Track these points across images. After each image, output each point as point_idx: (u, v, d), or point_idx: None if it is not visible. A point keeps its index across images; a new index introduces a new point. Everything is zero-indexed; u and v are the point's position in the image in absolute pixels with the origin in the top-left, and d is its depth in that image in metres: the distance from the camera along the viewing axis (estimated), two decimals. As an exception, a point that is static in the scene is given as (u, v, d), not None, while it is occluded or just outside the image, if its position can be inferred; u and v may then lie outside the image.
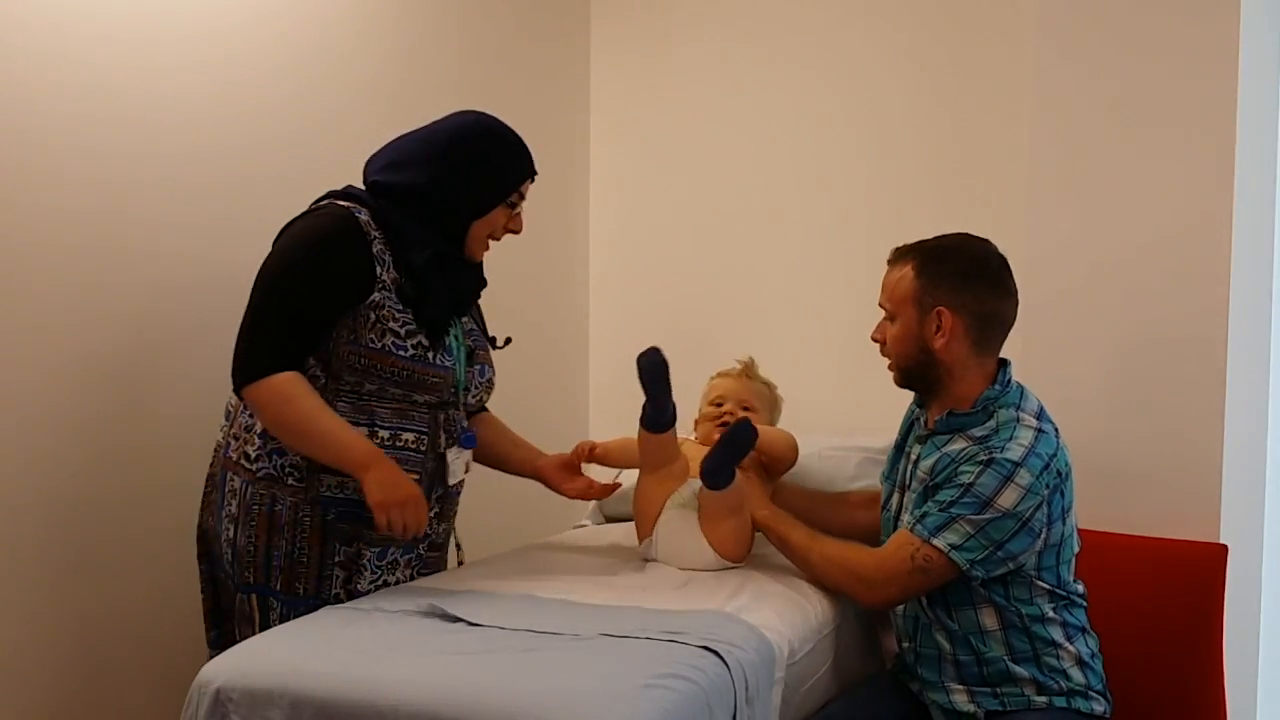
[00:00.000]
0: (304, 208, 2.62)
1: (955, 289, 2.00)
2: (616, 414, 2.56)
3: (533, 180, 2.21)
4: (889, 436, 2.38)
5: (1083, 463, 2.08)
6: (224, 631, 2.14)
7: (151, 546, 2.35)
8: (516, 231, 2.21)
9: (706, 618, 1.86)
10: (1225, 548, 2.22)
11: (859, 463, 2.58)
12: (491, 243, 2.20)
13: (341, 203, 2.11)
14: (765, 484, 2.36)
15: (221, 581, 2.14)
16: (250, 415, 2.07)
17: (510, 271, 2.51)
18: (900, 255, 2.07)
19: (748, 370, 2.53)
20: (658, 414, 2.22)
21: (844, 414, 2.91)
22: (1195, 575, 2.21)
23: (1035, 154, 2.50)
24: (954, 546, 1.90)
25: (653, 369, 2.20)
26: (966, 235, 2.09)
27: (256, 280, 2.05)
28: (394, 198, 2.09)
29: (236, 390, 2.04)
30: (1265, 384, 2.47)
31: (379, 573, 2.09)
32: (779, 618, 1.93)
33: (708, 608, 1.93)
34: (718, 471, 2.14)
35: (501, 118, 2.98)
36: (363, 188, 2.16)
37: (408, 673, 1.61)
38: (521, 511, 2.50)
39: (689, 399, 2.80)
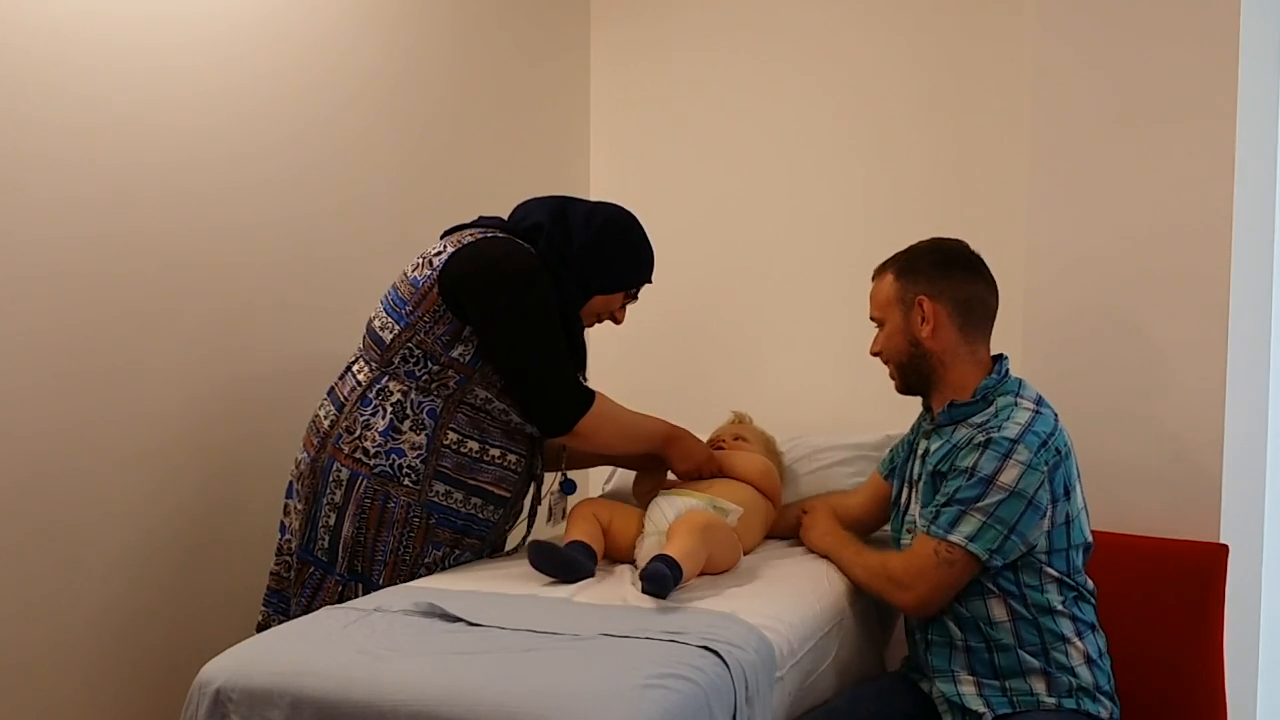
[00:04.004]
0: (303, 209, 2.63)
1: (933, 279, 2.09)
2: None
3: (643, 285, 2.40)
4: (881, 432, 2.40)
5: (1083, 463, 2.09)
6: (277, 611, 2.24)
7: (151, 547, 2.35)
8: (618, 321, 2.40)
9: (706, 617, 1.85)
10: (1225, 548, 2.22)
11: (850, 459, 2.60)
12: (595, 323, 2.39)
13: (517, 240, 2.24)
14: (764, 526, 2.39)
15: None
16: (372, 411, 2.15)
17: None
18: (880, 269, 2.18)
19: (738, 417, 2.67)
20: (570, 571, 2.07)
21: (839, 414, 2.92)
22: (1195, 575, 2.21)
23: (1035, 153, 2.50)
24: (970, 538, 1.93)
25: (544, 561, 2.07)
26: (938, 237, 2.18)
27: (511, 322, 2.12)
28: (552, 247, 2.23)
29: (570, 428, 2.16)
30: (1265, 384, 2.47)
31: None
32: (779, 618, 1.93)
33: (708, 607, 1.93)
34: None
35: (502, 124, 3.00)
36: (497, 217, 2.32)
37: (408, 673, 1.61)
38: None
39: (688, 400, 2.81)
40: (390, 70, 2.84)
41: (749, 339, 3.24)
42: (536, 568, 2.05)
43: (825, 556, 2.27)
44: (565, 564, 2.05)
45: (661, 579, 1.94)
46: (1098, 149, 2.42)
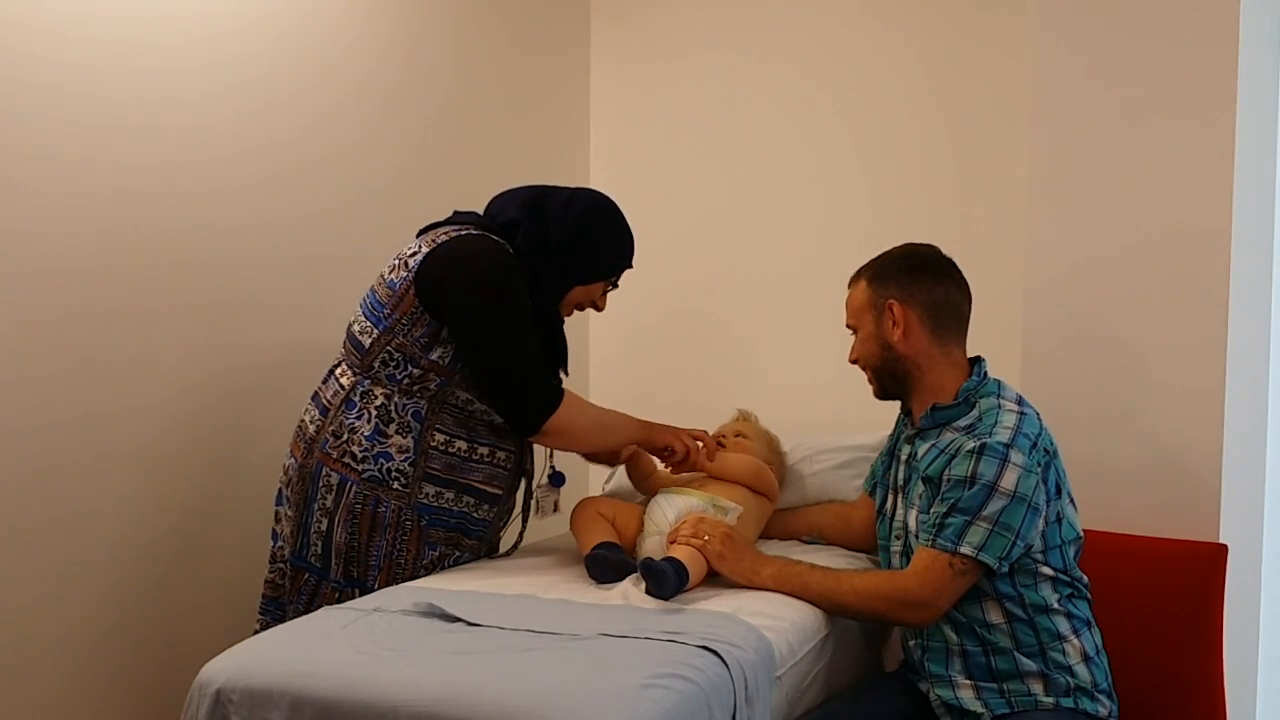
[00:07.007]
0: (302, 208, 2.63)
1: (901, 284, 2.10)
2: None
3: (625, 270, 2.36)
4: (881, 433, 2.39)
5: (1083, 462, 2.08)
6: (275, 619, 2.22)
7: (148, 544, 2.36)
8: (600, 309, 2.38)
9: (706, 617, 1.86)
10: (1225, 547, 2.22)
11: (852, 460, 2.60)
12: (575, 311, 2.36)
13: (492, 236, 2.21)
14: (759, 523, 2.38)
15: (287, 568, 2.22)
16: (357, 415, 2.14)
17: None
18: (854, 276, 2.19)
19: (743, 415, 2.66)
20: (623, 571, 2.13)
21: (840, 415, 2.91)
22: (1195, 575, 2.21)
23: (1035, 153, 2.50)
24: (979, 548, 1.92)
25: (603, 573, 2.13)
26: (910, 243, 2.19)
27: (480, 321, 2.09)
28: (529, 241, 2.20)
29: (537, 428, 2.13)
30: (1265, 383, 2.47)
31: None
32: (778, 617, 1.93)
33: (707, 608, 1.93)
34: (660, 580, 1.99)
35: (502, 124, 2.96)
36: (473, 212, 2.28)
37: (408, 673, 1.61)
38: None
39: (688, 401, 2.81)
40: (390, 69, 2.84)
41: (749, 339, 3.24)
42: (600, 581, 2.08)
43: (763, 587, 2.05)
44: (616, 566, 2.09)
45: (664, 578, 1.94)
46: (1098, 149, 2.42)
